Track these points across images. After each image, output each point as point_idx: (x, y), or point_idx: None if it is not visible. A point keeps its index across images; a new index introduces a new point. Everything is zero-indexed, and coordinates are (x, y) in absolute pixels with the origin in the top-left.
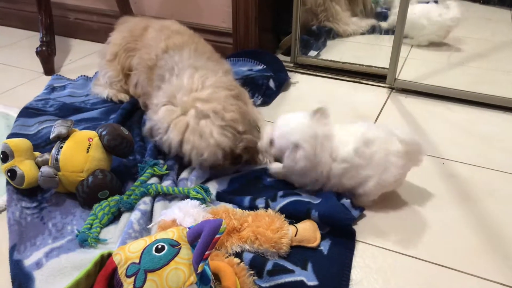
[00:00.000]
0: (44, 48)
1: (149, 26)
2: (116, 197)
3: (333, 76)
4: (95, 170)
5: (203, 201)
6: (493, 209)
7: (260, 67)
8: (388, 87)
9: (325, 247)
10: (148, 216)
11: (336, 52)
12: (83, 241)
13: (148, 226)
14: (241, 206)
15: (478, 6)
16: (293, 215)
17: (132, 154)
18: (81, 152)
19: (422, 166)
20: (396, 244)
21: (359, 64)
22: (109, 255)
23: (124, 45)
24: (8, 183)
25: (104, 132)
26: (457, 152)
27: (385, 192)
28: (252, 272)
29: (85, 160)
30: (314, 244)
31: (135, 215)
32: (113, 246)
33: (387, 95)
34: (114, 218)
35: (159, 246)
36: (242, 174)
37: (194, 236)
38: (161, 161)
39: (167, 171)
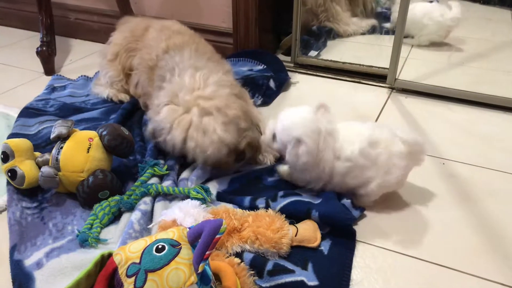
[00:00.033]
0: (44, 48)
1: (150, 26)
2: (117, 197)
3: (333, 76)
4: (96, 170)
5: (203, 201)
6: (493, 209)
7: (260, 67)
8: (389, 87)
9: (325, 247)
10: (149, 216)
11: (336, 52)
12: (84, 241)
13: (149, 226)
14: (241, 206)
15: (478, 6)
16: (294, 215)
17: (133, 154)
18: (81, 152)
19: (423, 166)
20: (397, 244)
21: (360, 64)
22: (110, 255)
23: (125, 45)
24: (8, 183)
25: (104, 132)
26: (457, 152)
27: (386, 192)
28: (252, 272)
29: (85, 160)
30: (315, 244)
31: (135, 215)
32: (114, 246)
33: (387, 95)
34: (115, 218)
35: (160, 246)
36: (242, 174)
37: (194, 236)
38: (162, 161)
39: (167, 171)
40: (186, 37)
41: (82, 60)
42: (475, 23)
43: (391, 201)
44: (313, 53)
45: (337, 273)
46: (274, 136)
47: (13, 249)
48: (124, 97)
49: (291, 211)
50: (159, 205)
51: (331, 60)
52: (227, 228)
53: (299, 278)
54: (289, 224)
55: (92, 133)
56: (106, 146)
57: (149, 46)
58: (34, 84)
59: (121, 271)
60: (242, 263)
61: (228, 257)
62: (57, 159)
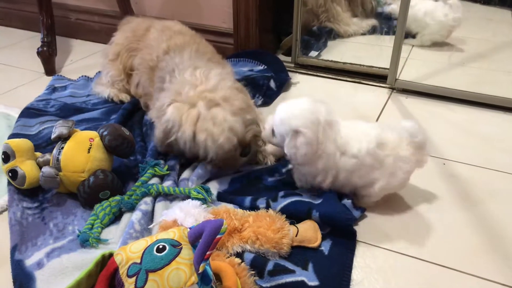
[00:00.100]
0: (45, 49)
1: (152, 26)
2: (117, 197)
3: (333, 77)
4: (96, 170)
5: (204, 201)
6: (494, 209)
7: (260, 67)
8: (389, 88)
9: (326, 247)
10: (149, 216)
11: (336, 52)
12: (84, 241)
13: (149, 226)
14: (242, 206)
15: (479, 6)
16: (294, 215)
17: (133, 155)
18: (82, 152)
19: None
20: (397, 244)
21: (360, 65)
22: (110, 255)
23: (126, 45)
24: (9, 183)
25: (105, 133)
26: (458, 153)
27: (387, 193)
28: (253, 272)
29: (86, 161)
30: (315, 245)
31: (136, 215)
32: (114, 246)
33: (387, 96)
34: (115, 218)
35: (160, 246)
36: (242, 174)
37: (195, 236)
38: (162, 162)
39: (168, 172)
40: (187, 37)
41: (83, 60)
42: (475, 24)
43: (391, 201)
44: (313, 53)
45: (338, 273)
46: (273, 131)
47: (14, 249)
48: (125, 97)
49: (292, 211)
50: (159, 205)
51: (331, 61)
52: (228, 228)
53: (299, 278)
54: (290, 224)
55: (93, 133)
56: (107, 146)
57: (150, 46)
58: (34, 85)
59: (122, 271)
60: (243, 263)
61: (228, 257)
62: (58, 159)
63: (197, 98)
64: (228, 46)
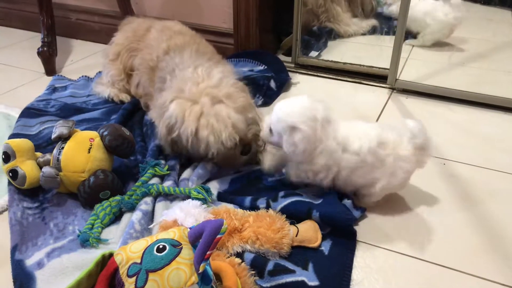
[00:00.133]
0: (45, 49)
1: (152, 26)
2: (118, 197)
3: (334, 77)
4: (97, 170)
5: (204, 201)
6: (494, 210)
7: (261, 67)
8: (389, 88)
9: (326, 247)
10: (150, 216)
11: (337, 52)
12: (85, 241)
13: (150, 226)
14: (242, 206)
15: (479, 6)
16: (294, 215)
17: (134, 155)
18: (82, 152)
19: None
20: (397, 245)
21: (360, 65)
22: (111, 255)
23: (127, 45)
24: (9, 183)
25: (105, 133)
26: (458, 153)
27: (388, 193)
28: (253, 272)
29: (86, 161)
30: (315, 245)
31: (136, 215)
32: (115, 246)
33: (388, 96)
34: (116, 218)
35: (161, 246)
36: (243, 174)
37: (195, 236)
38: (163, 162)
39: (168, 172)
40: (187, 37)
41: (83, 60)
42: (476, 24)
43: (392, 201)
44: (313, 53)
45: (338, 273)
46: (271, 130)
47: (14, 249)
48: (125, 97)
49: (292, 211)
50: (160, 205)
51: (331, 61)
52: (228, 228)
53: (299, 278)
54: (290, 224)
55: (93, 134)
56: (107, 146)
57: (150, 46)
58: (35, 85)
59: (122, 271)
60: (243, 263)
61: (229, 257)
62: (58, 159)
63: (200, 94)
64: (228, 46)
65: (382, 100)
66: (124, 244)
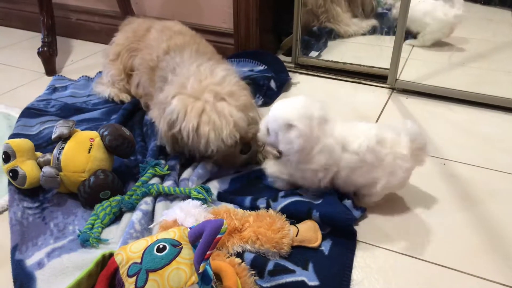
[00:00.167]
0: (45, 49)
1: (152, 27)
2: (118, 197)
3: (334, 77)
4: (97, 170)
5: (204, 201)
6: (494, 210)
7: (261, 67)
8: (389, 88)
9: (326, 247)
10: (150, 216)
11: (337, 52)
12: (85, 241)
13: (150, 226)
14: (242, 206)
15: (479, 6)
16: (294, 215)
17: (134, 155)
18: (82, 152)
19: (423, 166)
20: (397, 244)
21: (360, 65)
22: (111, 255)
23: (127, 45)
24: (10, 183)
25: (105, 133)
26: (458, 153)
27: (388, 193)
28: (253, 272)
29: (86, 161)
30: (315, 244)
31: (136, 215)
32: (115, 246)
33: (388, 96)
34: (116, 218)
35: (161, 246)
36: (243, 174)
37: (195, 236)
38: (163, 161)
39: (168, 171)
40: (187, 37)
41: (83, 60)
42: (476, 24)
43: (392, 201)
44: (313, 53)
45: (338, 273)
46: (268, 130)
47: (14, 249)
48: (125, 97)
49: (292, 211)
50: (160, 205)
51: (331, 61)
52: (228, 228)
53: (299, 278)
54: (290, 224)
55: (93, 133)
56: (107, 146)
57: (150, 47)
58: (35, 85)
59: (122, 271)
60: (243, 263)
61: (229, 257)
62: (58, 159)
63: (203, 91)
64: (228, 46)
65: (382, 100)
66: (124, 244)
